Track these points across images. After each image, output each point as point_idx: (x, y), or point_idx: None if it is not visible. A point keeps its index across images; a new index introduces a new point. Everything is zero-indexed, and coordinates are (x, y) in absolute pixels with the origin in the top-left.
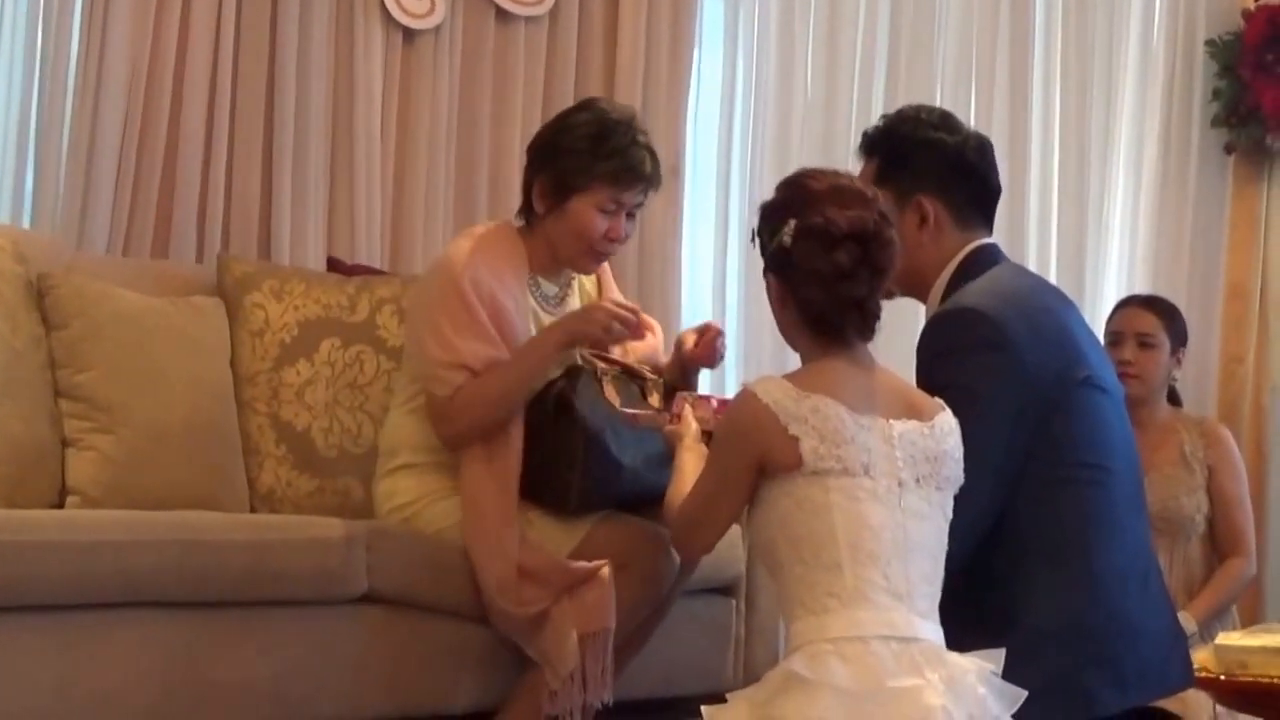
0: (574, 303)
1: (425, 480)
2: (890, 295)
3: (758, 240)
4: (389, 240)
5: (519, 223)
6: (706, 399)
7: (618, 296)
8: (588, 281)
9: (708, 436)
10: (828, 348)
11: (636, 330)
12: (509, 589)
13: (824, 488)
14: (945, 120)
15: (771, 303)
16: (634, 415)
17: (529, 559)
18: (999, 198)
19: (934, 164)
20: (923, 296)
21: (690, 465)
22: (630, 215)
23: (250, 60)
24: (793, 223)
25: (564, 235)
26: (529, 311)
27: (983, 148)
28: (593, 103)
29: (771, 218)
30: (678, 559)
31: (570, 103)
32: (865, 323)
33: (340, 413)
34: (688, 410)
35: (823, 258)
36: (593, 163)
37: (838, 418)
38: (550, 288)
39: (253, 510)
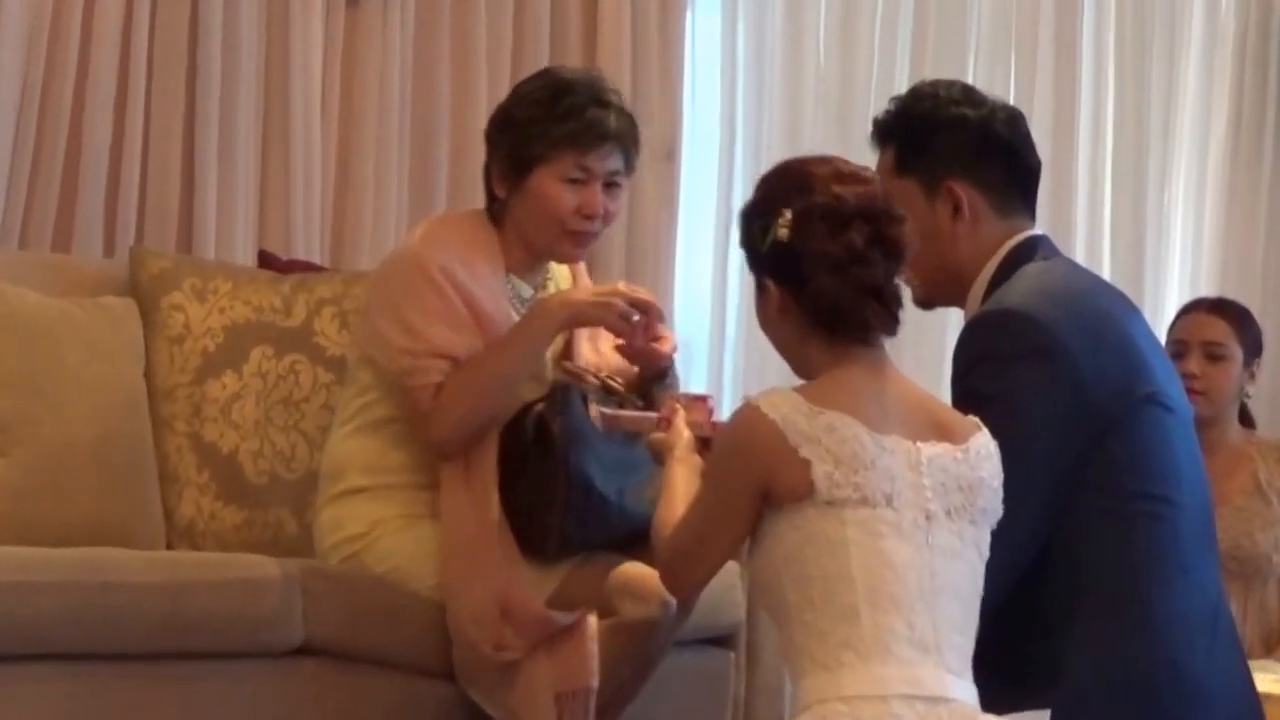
0: None
1: (378, 507)
2: (930, 304)
3: (745, 244)
4: (330, 232)
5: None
6: (701, 400)
7: (586, 285)
8: (563, 281)
9: (702, 445)
10: (845, 350)
11: (648, 330)
12: (487, 624)
13: (839, 520)
14: (967, 94)
15: (767, 318)
16: (615, 417)
17: (513, 599)
18: (1039, 177)
19: (960, 143)
20: (961, 300)
21: (681, 481)
22: (611, 185)
23: (169, 21)
24: (788, 213)
25: (532, 218)
26: (507, 309)
27: (1013, 119)
28: (549, 69)
29: (759, 215)
30: (674, 606)
31: None
32: (887, 311)
33: (272, 433)
34: (679, 416)
35: (831, 240)
36: (548, 126)
37: (856, 439)
38: (525, 288)
39: (170, 546)
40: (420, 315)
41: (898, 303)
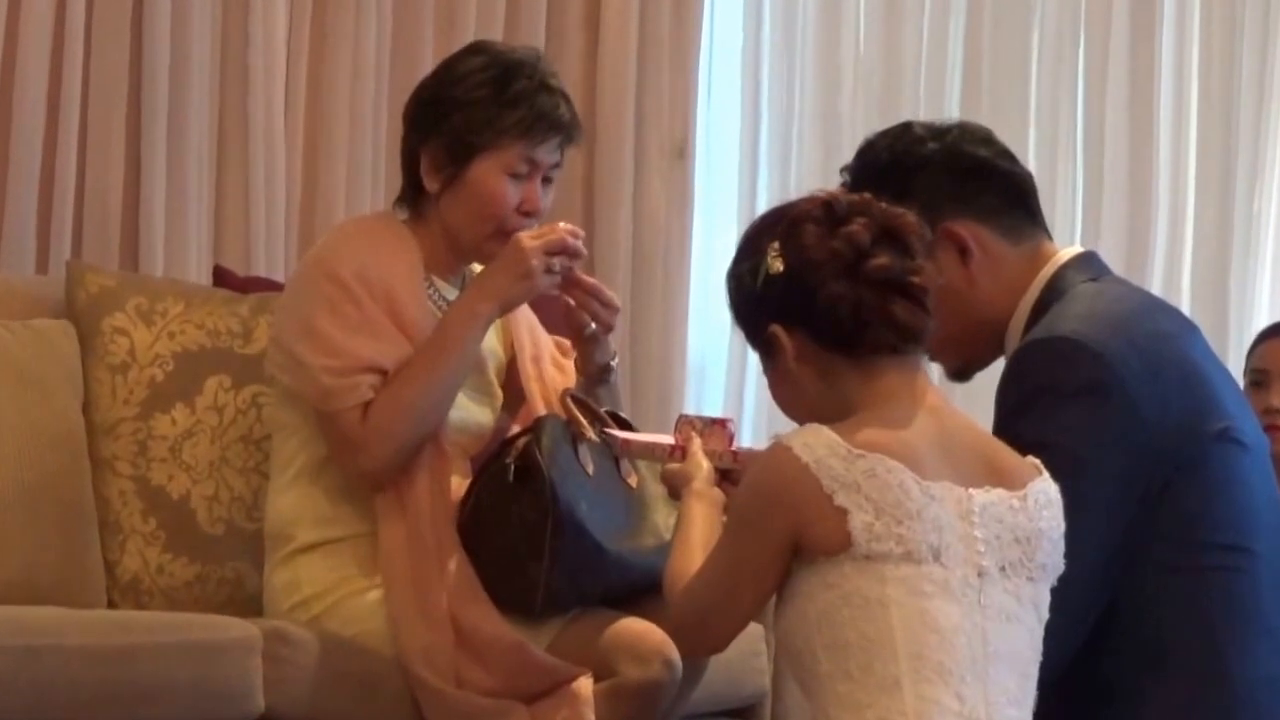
0: None
1: (340, 562)
2: (967, 372)
3: (735, 300)
4: (295, 245)
5: (403, 214)
6: (720, 423)
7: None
8: None
9: (721, 476)
10: (877, 366)
11: (577, 252)
12: (439, 658)
13: (879, 578)
14: (927, 128)
15: (783, 371)
16: (626, 441)
17: (473, 624)
18: (1034, 186)
19: (938, 181)
20: (999, 352)
21: (700, 521)
22: (547, 181)
23: (109, 2)
24: (776, 243)
25: (465, 213)
26: (432, 312)
27: (985, 136)
28: (484, 45)
29: (745, 259)
30: (679, 667)
31: None
32: (914, 302)
33: (229, 475)
34: (695, 443)
35: (831, 238)
36: (497, 113)
37: (900, 485)
38: (450, 290)
39: (111, 605)
40: (338, 328)
41: (925, 292)
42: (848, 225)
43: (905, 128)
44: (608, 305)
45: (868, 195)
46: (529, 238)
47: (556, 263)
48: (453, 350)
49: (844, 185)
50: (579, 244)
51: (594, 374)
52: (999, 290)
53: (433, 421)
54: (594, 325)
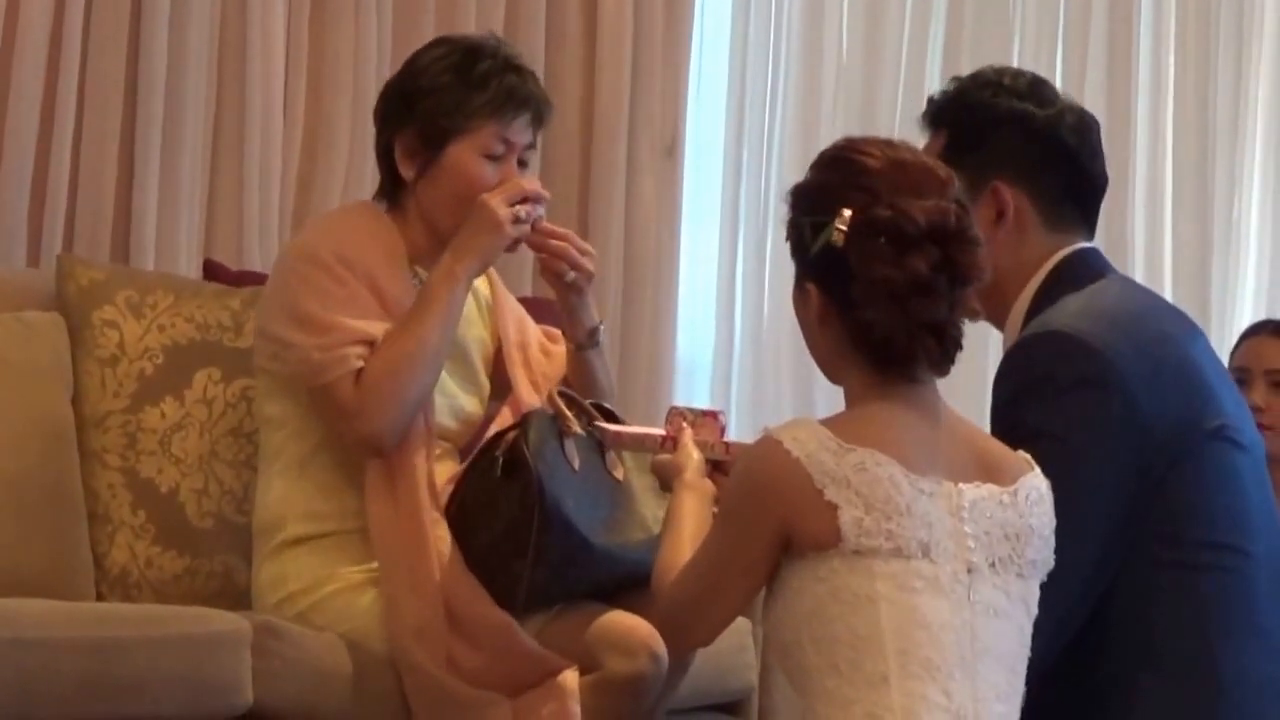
0: None
1: (327, 557)
2: (974, 315)
3: (791, 236)
4: (289, 239)
5: (382, 206)
6: (711, 415)
7: (506, 295)
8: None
9: (713, 468)
10: (888, 384)
11: (538, 197)
12: (431, 637)
13: (868, 573)
14: (1035, 89)
15: (804, 319)
16: (616, 434)
17: (462, 601)
18: (1104, 192)
19: (1018, 144)
20: (999, 319)
21: (690, 514)
22: (522, 164)
23: None
24: (846, 213)
25: (444, 198)
26: (412, 297)
27: (1083, 126)
28: (444, 38)
29: (813, 206)
30: (665, 660)
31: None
32: (944, 352)
33: (219, 468)
34: (686, 434)
35: (893, 264)
36: (465, 95)
37: (890, 480)
38: None
39: (100, 598)
40: (323, 307)
41: (956, 344)
42: (914, 256)
43: (1019, 76)
44: (583, 251)
45: (947, 205)
46: (489, 195)
47: (522, 211)
48: (437, 309)
49: (931, 101)
50: (538, 189)
51: (583, 339)
52: (1015, 265)
53: (425, 382)
54: (574, 273)
